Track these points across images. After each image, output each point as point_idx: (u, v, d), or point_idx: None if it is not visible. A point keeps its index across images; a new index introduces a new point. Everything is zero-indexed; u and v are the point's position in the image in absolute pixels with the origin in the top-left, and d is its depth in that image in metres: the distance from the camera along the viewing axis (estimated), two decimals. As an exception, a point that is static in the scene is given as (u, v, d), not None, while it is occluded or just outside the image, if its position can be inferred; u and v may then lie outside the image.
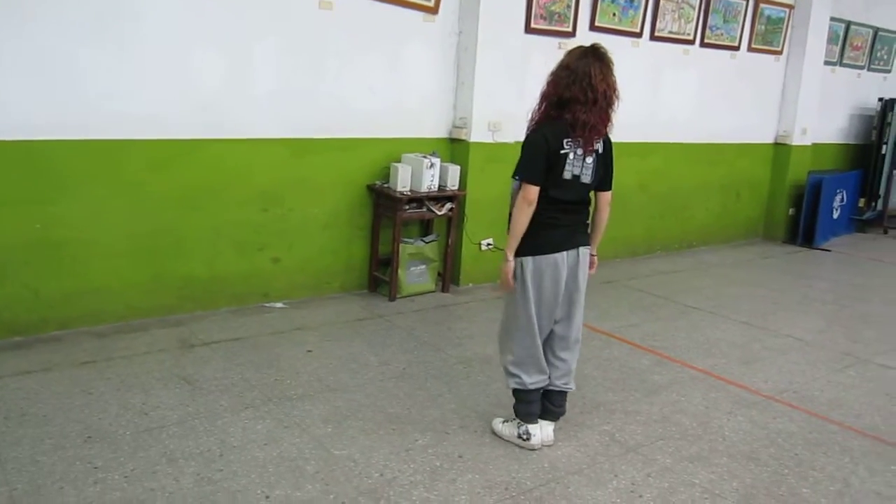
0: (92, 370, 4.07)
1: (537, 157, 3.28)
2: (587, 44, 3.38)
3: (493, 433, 3.66)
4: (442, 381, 4.26)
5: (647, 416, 4.00)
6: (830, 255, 8.49)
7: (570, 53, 3.33)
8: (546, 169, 3.28)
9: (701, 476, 3.42)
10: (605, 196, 3.55)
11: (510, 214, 3.44)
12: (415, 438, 3.58)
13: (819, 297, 6.65)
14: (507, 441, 3.60)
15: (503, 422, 3.67)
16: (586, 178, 3.36)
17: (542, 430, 3.56)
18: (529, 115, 3.43)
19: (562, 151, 3.27)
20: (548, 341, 3.55)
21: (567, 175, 3.30)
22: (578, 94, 3.21)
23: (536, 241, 3.37)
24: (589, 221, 3.53)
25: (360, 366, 4.40)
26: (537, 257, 3.37)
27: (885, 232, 9.93)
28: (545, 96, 3.35)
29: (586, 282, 3.54)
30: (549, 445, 3.58)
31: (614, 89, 3.29)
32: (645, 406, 4.13)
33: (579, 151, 3.30)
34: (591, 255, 3.58)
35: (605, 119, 3.30)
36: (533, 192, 3.28)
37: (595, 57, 3.27)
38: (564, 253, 3.40)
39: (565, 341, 3.56)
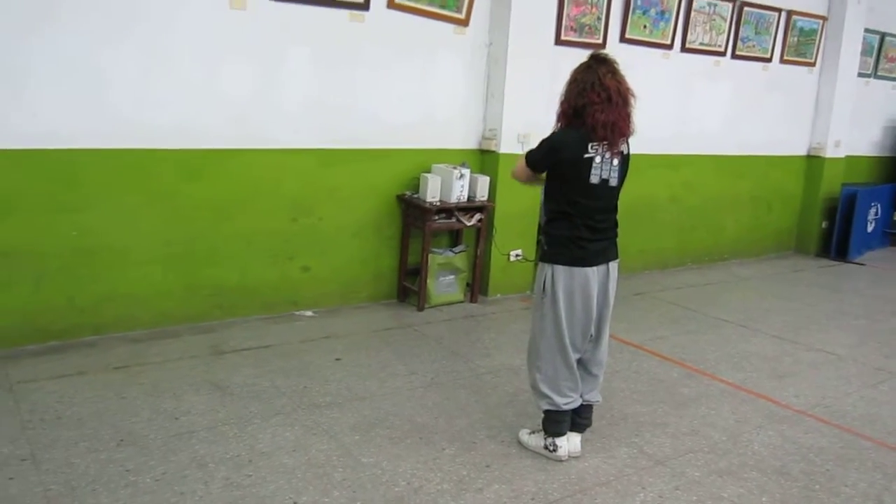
0: (125, 375, 4.14)
1: (547, 153, 3.35)
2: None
3: (520, 444, 3.66)
4: (470, 390, 4.27)
5: (675, 429, 3.97)
6: (864, 269, 8.38)
7: (575, 70, 3.36)
8: (564, 173, 3.32)
9: (730, 490, 3.39)
10: None
11: (539, 226, 3.47)
12: (442, 448, 3.59)
13: (852, 311, 6.56)
14: (534, 452, 3.59)
15: (530, 432, 3.66)
16: (614, 181, 3.35)
17: (569, 442, 3.55)
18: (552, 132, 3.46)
19: (586, 156, 3.26)
20: (584, 363, 3.54)
21: (594, 179, 3.29)
22: (592, 97, 3.21)
23: (570, 253, 3.36)
24: (618, 232, 3.53)
25: (388, 375, 4.42)
26: (570, 268, 3.36)
27: (921, 246, 9.78)
28: (562, 113, 3.36)
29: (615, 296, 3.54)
30: (576, 457, 3.57)
31: (626, 86, 3.28)
32: (674, 419, 4.10)
33: (607, 155, 3.29)
34: None
35: (626, 116, 3.28)
36: (527, 171, 3.43)
37: (598, 61, 3.30)
38: (596, 268, 3.39)
39: (596, 357, 3.56)
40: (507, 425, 3.86)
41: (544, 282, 3.42)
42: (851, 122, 8.95)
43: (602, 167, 3.30)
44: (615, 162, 3.33)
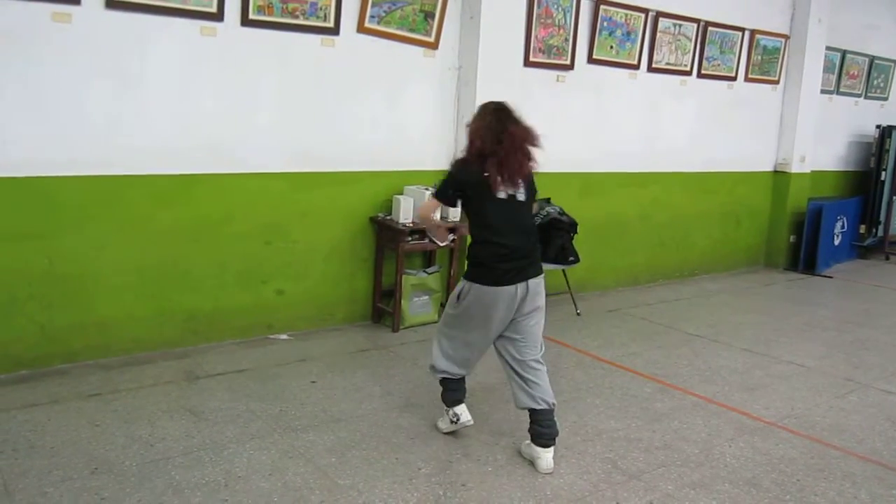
0: (98, 402, 4.12)
1: (450, 183, 3.67)
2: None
3: (438, 430, 3.98)
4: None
5: (648, 444, 4.02)
6: (832, 281, 8.53)
7: (483, 107, 3.67)
8: (470, 195, 3.60)
9: (702, 503, 3.44)
10: None
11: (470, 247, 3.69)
12: (418, 467, 3.61)
13: (820, 323, 6.68)
14: (446, 432, 3.94)
15: (440, 420, 3.97)
16: (521, 196, 3.58)
17: (542, 458, 3.60)
18: (462, 152, 3.69)
19: (486, 174, 3.50)
20: (516, 369, 3.67)
21: (501, 195, 3.53)
22: (495, 148, 3.48)
23: (485, 274, 3.57)
24: (539, 252, 3.74)
25: (363, 396, 4.43)
26: (483, 287, 3.56)
27: (887, 258, 9.96)
28: (471, 146, 3.59)
29: (544, 309, 3.71)
30: (549, 473, 3.60)
31: (523, 134, 3.54)
32: (647, 433, 4.15)
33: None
34: None
35: (522, 164, 3.55)
36: (435, 205, 3.74)
37: (499, 110, 3.60)
38: (514, 286, 3.55)
39: (532, 364, 3.67)
40: (483, 444, 3.89)
41: (460, 292, 3.68)
42: (816, 138, 9.14)
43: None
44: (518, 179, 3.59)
